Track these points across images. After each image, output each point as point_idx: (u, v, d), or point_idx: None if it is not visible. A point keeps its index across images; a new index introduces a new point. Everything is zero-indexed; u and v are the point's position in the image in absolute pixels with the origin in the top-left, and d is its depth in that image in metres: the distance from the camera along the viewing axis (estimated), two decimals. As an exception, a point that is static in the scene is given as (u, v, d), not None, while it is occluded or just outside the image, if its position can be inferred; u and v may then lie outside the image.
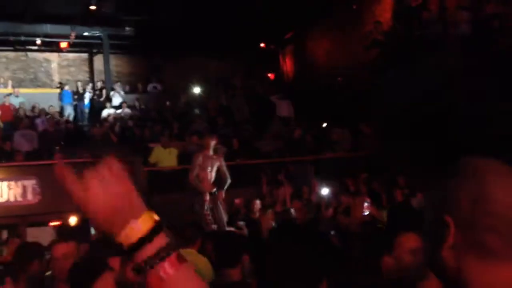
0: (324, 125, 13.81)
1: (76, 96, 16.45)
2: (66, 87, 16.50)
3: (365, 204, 4.65)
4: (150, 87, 17.80)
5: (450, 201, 1.03)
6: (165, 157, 10.92)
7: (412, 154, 9.26)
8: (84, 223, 10.47)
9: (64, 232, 10.10)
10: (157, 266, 1.00)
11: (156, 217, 1.06)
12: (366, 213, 4.60)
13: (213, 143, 7.98)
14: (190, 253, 5.00)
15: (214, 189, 8.01)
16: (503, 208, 0.98)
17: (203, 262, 4.73)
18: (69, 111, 16.03)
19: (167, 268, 1.00)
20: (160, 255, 1.01)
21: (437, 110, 8.59)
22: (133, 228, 1.02)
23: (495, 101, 7.70)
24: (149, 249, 1.01)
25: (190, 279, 1.04)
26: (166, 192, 10.31)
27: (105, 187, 1.04)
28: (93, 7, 15.27)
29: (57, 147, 11.21)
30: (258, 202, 8.53)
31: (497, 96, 7.63)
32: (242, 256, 3.13)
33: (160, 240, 1.03)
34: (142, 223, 1.03)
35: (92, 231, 10.16)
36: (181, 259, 1.03)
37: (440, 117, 8.86)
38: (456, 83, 8.51)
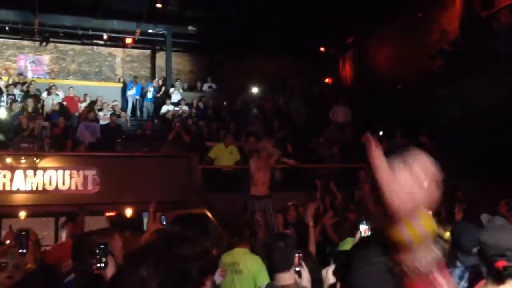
0: (381, 133, 13.55)
1: (134, 88, 16.82)
2: (133, 82, 16.94)
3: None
4: (205, 86, 18.06)
5: None
6: (224, 155, 10.98)
7: (475, 168, 8.98)
8: (138, 215, 10.77)
9: (118, 223, 10.41)
10: (432, 273, 0.94)
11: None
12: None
13: (268, 146, 7.97)
14: (244, 252, 5.06)
15: (267, 194, 8.01)
16: None
17: (257, 261, 4.77)
18: (132, 105, 16.51)
19: (439, 277, 0.96)
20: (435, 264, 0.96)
21: (503, 125, 8.29)
22: (413, 225, 0.99)
23: None
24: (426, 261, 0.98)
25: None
26: (221, 191, 10.42)
27: (413, 184, 1.04)
28: (159, 5, 15.62)
29: (118, 140, 11.52)
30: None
31: None
32: (294, 259, 3.12)
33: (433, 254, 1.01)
34: (423, 222, 0.97)
35: (145, 223, 10.42)
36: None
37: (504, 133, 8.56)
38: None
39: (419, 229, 0.98)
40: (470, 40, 10.95)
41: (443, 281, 0.96)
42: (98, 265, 2.45)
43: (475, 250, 4.04)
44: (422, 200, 1.01)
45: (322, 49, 18.98)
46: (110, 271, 2.43)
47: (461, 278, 3.34)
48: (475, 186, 9.28)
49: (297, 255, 3.13)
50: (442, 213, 7.98)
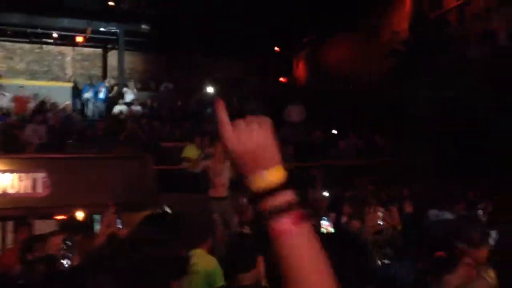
0: (334, 132, 13.76)
1: (91, 91, 16.50)
2: (85, 80, 16.59)
3: (379, 214, 4.61)
4: (162, 86, 17.84)
5: None
6: (196, 156, 10.87)
7: (428, 166, 9.23)
8: (89, 218, 10.51)
9: (67, 226, 10.13)
10: (280, 217, 1.03)
11: (285, 173, 1.10)
12: (380, 223, 4.55)
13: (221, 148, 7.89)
14: (200, 254, 4.99)
15: (227, 194, 7.96)
16: None
17: (213, 263, 4.72)
18: (82, 105, 16.13)
19: (290, 222, 1.03)
20: (285, 208, 1.04)
21: (458, 124, 8.54)
22: (261, 176, 1.07)
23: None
24: (276, 200, 1.05)
25: (310, 240, 1.05)
26: (177, 191, 10.32)
27: (253, 135, 1.08)
28: (111, 3, 15.31)
29: (68, 141, 11.22)
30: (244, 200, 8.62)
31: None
32: (257, 260, 3.09)
33: (289, 196, 1.06)
34: (270, 174, 1.08)
35: (96, 227, 10.18)
36: (305, 219, 1.06)
37: (462, 131, 8.82)
38: (481, 97, 8.46)
39: None
40: (419, 41, 11.24)
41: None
42: (63, 261, 2.39)
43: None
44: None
45: (276, 48, 19.08)
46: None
47: (409, 271, 3.45)
48: (425, 182, 9.55)
49: (259, 256, 3.11)
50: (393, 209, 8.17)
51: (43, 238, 3.73)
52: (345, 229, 5.40)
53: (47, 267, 2.58)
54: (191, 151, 10.92)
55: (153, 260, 1.96)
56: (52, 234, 3.66)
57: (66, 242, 2.51)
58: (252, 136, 1.09)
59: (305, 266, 1.04)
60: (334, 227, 4.43)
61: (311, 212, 8.36)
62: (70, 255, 2.49)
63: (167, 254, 2.01)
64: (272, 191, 1.06)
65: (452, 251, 2.89)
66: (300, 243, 1.04)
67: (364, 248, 3.45)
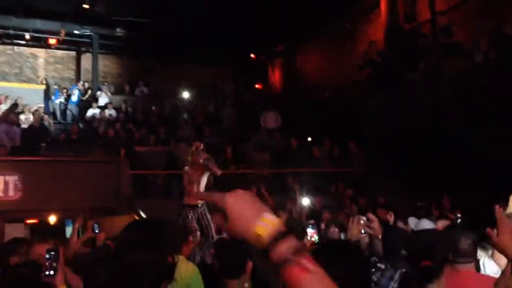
0: (309, 139, 13.86)
1: (64, 94, 16.29)
2: (54, 85, 16.35)
3: (362, 222, 4.65)
4: (137, 90, 17.71)
5: None
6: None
7: (396, 176, 9.37)
8: (61, 223, 10.34)
9: (39, 230, 9.94)
10: (296, 261, 1.09)
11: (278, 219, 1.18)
12: (363, 232, 4.60)
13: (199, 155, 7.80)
14: (181, 260, 4.97)
15: (201, 203, 7.89)
16: None
17: (194, 270, 4.70)
18: (55, 109, 15.89)
19: (307, 263, 1.09)
20: (299, 252, 1.10)
21: (426, 133, 8.71)
22: (258, 225, 1.14)
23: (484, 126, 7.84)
24: (283, 247, 1.11)
25: (325, 279, 1.11)
26: (153, 197, 10.26)
27: (244, 211, 1.18)
28: (86, 6, 15.12)
29: (42, 144, 11.03)
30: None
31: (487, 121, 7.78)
32: (246, 265, 3.09)
33: (294, 241, 1.13)
34: (264, 220, 1.15)
35: (68, 231, 10.02)
36: (315, 261, 1.12)
37: (428, 141, 8.99)
38: (447, 108, 8.66)
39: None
40: (394, 51, 11.45)
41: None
42: (47, 272, 2.35)
43: (403, 252, 4.25)
44: None
45: (252, 55, 19.15)
46: (59, 279, 2.33)
47: (391, 279, 3.49)
48: (399, 191, 9.70)
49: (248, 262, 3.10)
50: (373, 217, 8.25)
51: (27, 243, 3.65)
52: (341, 239, 5.44)
53: (32, 273, 2.54)
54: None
55: (142, 264, 1.96)
56: (38, 241, 3.58)
57: (51, 252, 2.47)
58: (238, 197, 1.20)
59: None
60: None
61: (292, 219, 8.42)
62: (55, 265, 2.45)
63: (155, 258, 2.02)
64: (276, 238, 1.12)
65: (438, 261, 2.95)
66: (316, 282, 1.11)
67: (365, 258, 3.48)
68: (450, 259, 3.11)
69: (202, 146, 7.91)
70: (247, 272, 3.03)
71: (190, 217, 7.51)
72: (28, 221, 10.98)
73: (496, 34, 9.17)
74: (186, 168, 7.77)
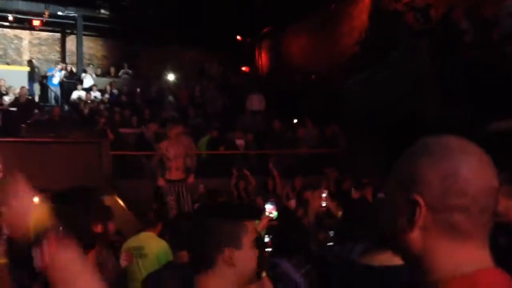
0: (295, 121, 13.87)
1: (45, 75, 16.17)
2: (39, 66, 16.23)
3: (323, 196, 4.71)
4: (121, 72, 17.60)
5: (419, 181, 0.97)
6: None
7: (376, 156, 9.39)
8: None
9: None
10: (41, 244, 1.23)
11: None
12: (324, 204, 4.65)
13: (177, 132, 7.87)
14: (149, 236, 5.02)
15: (181, 178, 7.94)
16: (474, 188, 0.95)
17: (161, 245, 4.75)
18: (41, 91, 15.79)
19: (48, 247, 1.23)
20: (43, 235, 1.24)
21: (404, 115, 8.72)
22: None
23: (464, 107, 7.87)
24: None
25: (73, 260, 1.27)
26: (133, 177, 10.29)
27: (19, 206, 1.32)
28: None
29: (23, 125, 10.97)
30: (201, 186, 8.81)
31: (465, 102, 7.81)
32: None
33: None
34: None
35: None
36: (62, 240, 1.25)
37: (407, 122, 9.00)
38: (425, 88, 8.68)
39: None
40: (378, 32, 11.42)
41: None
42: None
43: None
44: None
45: (238, 37, 19.05)
46: None
47: (350, 251, 3.53)
48: (381, 172, 9.74)
49: None
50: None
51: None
52: (284, 211, 5.50)
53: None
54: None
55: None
56: None
57: None
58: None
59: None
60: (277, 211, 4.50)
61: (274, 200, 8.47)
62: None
63: (74, 228, 2.04)
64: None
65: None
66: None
67: (303, 228, 3.52)
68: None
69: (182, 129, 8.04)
70: None
71: (169, 194, 7.57)
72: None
73: (474, 15, 9.18)
74: (165, 143, 7.80)
